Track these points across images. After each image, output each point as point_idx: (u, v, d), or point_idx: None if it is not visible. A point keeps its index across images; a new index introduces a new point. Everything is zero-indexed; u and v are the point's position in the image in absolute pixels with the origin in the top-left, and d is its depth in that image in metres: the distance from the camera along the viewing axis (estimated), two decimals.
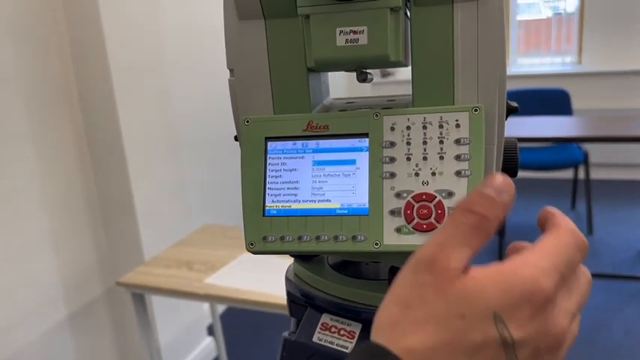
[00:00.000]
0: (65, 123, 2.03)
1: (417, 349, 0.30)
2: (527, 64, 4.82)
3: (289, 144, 0.45)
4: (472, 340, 0.30)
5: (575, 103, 3.97)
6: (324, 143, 0.45)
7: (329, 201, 0.44)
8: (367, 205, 0.42)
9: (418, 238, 0.41)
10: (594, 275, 2.57)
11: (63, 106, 2.01)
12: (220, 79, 2.90)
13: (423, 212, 0.41)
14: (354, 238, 0.43)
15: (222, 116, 3.12)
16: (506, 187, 0.33)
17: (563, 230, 0.34)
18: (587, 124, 3.39)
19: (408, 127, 0.42)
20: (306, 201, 0.44)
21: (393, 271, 0.46)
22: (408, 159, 0.42)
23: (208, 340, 2.63)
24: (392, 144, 0.42)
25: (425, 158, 0.41)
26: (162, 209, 2.31)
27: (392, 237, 0.41)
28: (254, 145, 0.46)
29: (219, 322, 2.18)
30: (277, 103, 0.47)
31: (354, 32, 0.42)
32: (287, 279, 0.53)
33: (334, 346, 0.47)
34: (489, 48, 0.41)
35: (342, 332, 0.47)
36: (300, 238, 0.44)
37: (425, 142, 0.42)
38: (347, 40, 0.42)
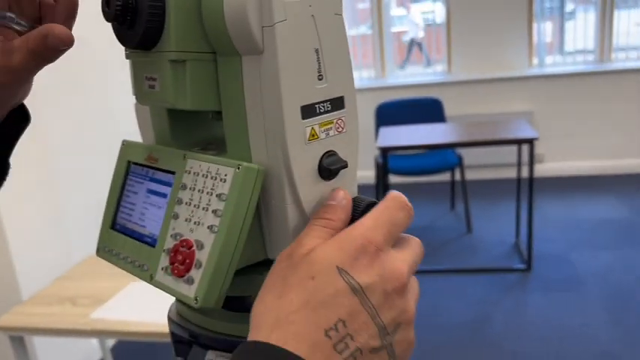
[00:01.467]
0: None
1: (282, 316, 0.35)
2: (402, 75, 5.07)
3: (140, 169, 0.49)
4: (325, 293, 0.35)
5: (448, 110, 4.23)
6: (157, 174, 0.47)
7: (144, 227, 0.46)
8: (157, 239, 0.44)
9: (172, 281, 0.41)
10: (475, 271, 2.75)
11: None
12: (102, 97, 2.77)
13: (179, 258, 0.41)
14: (142, 266, 0.44)
15: (102, 142, 3.00)
16: (344, 197, 0.41)
17: (387, 198, 0.41)
18: (460, 129, 3.63)
19: (197, 173, 0.43)
20: (134, 223, 0.47)
21: None
22: (188, 204, 0.42)
23: None
24: (184, 186, 0.43)
25: (197, 206, 0.42)
26: (39, 241, 2.17)
27: (160, 274, 0.43)
28: (120, 165, 0.51)
29: (110, 357, 2.08)
30: (156, 133, 0.50)
31: (152, 79, 0.44)
32: (169, 319, 0.52)
33: None
34: (270, 107, 0.40)
35: None
36: (117, 254, 0.48)
37: (201, 191, 0.42)
38: (149, 86, 0.44)
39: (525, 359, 2.43)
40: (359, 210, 0.42)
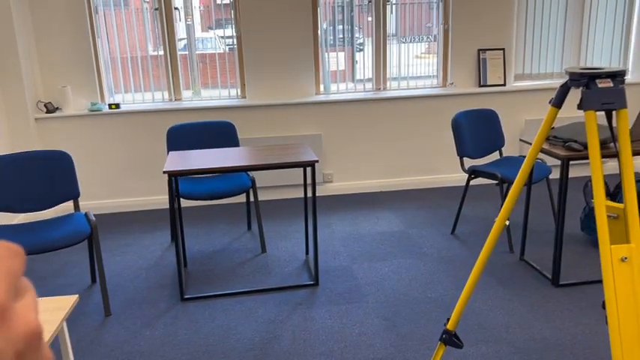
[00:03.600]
0: None
1: None
2: (206, 96, 5.08)
3: None
4: None
5: (241, 133, 4.33)
6: None
7: None
8: None
9: None
10: (268, 290, 2.81)
11: None
12: None
13: None
14: None
15: None
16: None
17: None
18: (251, 153, 3.73)
19: None
20: None
21: None
22: None
23: None
24: None
25: None
26: None
27: None
28: None
29: None
30: None
31: None
32: None
33: None
34: None
35: None
36: None
37: None
38: None
39: None
40: None
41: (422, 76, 5.29)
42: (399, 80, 5.19)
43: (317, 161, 3.21)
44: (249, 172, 4.00)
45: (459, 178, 5.19)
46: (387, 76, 5.12)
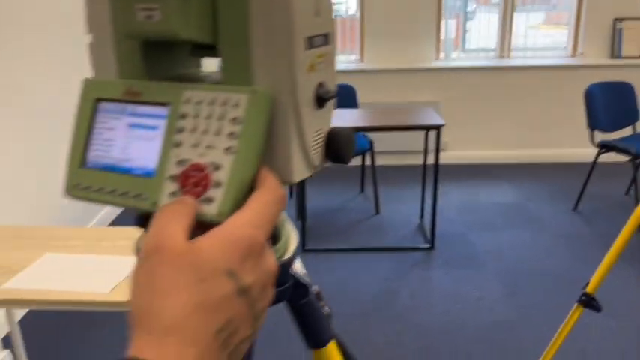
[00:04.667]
0: None
1: (176, 321, 0.35)
2: None
3: (112, 105, 0.49)
4: (216, 296, 0.36)
5: (361, 97, 4.37)
6: (139, 108, 0.48)
7: (131, 161, 0.48)
8: (155, 169, 0.46)
9: None
10: (383, 249, 2.89)
11: None
12: (6, 66, 2.64)
13: (192, 181, 0.44)
14: (138, 196, 0.46)
15: (11, 103, 2.84)
16: (187, 200, 0.42)
17: (265, 189, 0.42)
18: (372, 115, 3.76)
19: (199, 102, 0.45)
20: (115, 159, 0.48)
21: None
22: (193, 131, 0.45)
23: (4, 354, 2.39)
24: (184, 115, 0.46)
25: (205, 132, 0.44)
26: None
27: (167, 200, 0.45)
28: (85, 104, 0.50)
29: (18, 331, 2.00)
30: (119, 70, 0.51)
31: (150, 9, 0.44)
32: (138, 250, 0.54)
33: None
34: (278, 37, 0.43)
35: None
36: (100, 189, 0.48)
37: (208, 117, 0.44)
38: (145, 16, 0.45)
39: (428, 329, 2.60)
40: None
41: (545, 48, 5.06)
42: (520, 50, 5.00)
43: (443, 125, 3.19)
44: (367, 135, 4.04)
45: (583, 153, 4.95)
46: (512, 44, 4.94)
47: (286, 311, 0.56)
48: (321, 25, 0.46)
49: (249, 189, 0.44)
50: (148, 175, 0.46)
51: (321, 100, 0.47)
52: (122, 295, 1.48)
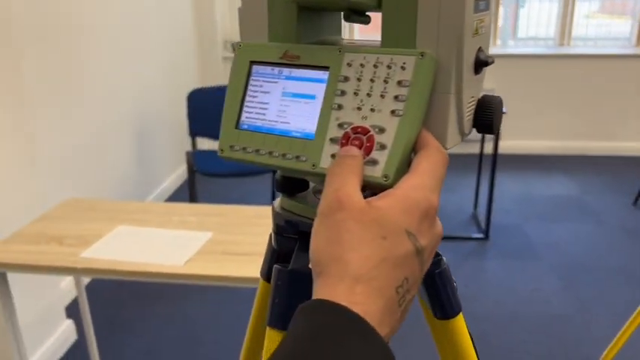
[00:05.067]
0: None
1: (365, 271, 0.37)
2: None
3: (268, 69, 0.50)
4: (397, 254, 0.38)
5: None
6: (295, 72, 0.49)
7: (288, 123, 0.48)
8: (314, 131, 0.47)
9: None
10: None
11: None
12: (83, 43, 2.71)
13: (355, 143, 0.44)
14: (297, 157, 0.47)
15: (84, 83, 2.92)
16: (353, 151, 0.43)
17: (434, 151, 0.43)
18: None
19: (362, 65, 0.45)
20: (271, 121, 0.49)
21: None
22: (356, 94, 0.45)
23: (67, 323, 2.48)
24: (346, 78, 0.46)
25: (369, 95, 0.44)
26: (13, 183, 2.12)
27: (327, 161, 0.45)
28: (241, 67, 0.51)
29: (85, 300, 2.07)
30: (271, 34, 0.51)
31: None
32: (276, 213, 0.55)
33: None
34: None
35: None
36: (257, 151, 0.49)
37: (372, 80, 0.45)
38: None
39: (483, 320, 2.58)
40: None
41: (605, 38, 4.89)
42: (580, 40, 4.84)
43: (504, 113, 3.12)
44: None
45: None
46: (572, 33, 4.79)
47: None
48: None
49: (411, 152, 0.44)
50: (306, 137, 0.47)
51: (479, 66, 0.46)
52: (196, 268, 1.51)
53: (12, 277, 1.74)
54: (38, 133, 2.35)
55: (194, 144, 3.54)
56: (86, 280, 2.71)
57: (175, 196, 4.07)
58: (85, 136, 2.90)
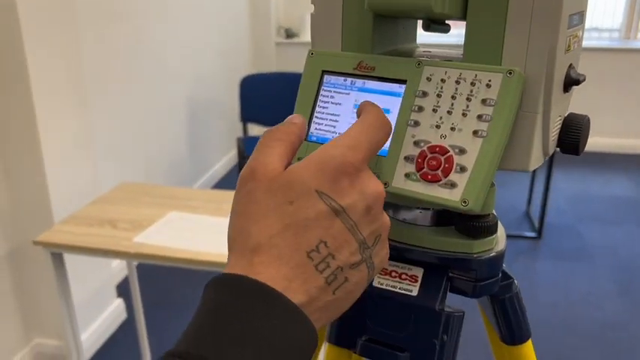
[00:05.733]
0: None
1: (264, 241, 0.35)
2: None
3: (341, 79, 0.48)
4: (306, 217, 0.35)
5: None
6: (369, 84, 0.46)
7: None
8: (387, 147, 0.44)
9: (421, 186, 0.42)
10: None
11: None
12: (138, 27, 2.75)
13: (432, 163, 0.42)
14: None
15: (136, 68, 2.97)
16: (295, 118, 0.41)
17: (367, 112, 0.40)
18: None
19: (443, 80, 0.42)
20: (341, 134, 0.47)
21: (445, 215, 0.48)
22: (434, 110, 0.42)
23: (118, 302, 2.55)
24: (424, 94, 0.43)
25: (449, 112, 0.42)
26: (72, 165, 2.18)
27: (400, 180, 0.43)
28: (312, 76, 0.49)
29: (136, 280, 2.11)
30: (345, 42, 0.49)
31: None
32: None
33: (398, 290, 0.49)
34: (543, 13, 0.40)
35: (403, 277, 0.49)
36: None
37: (454, 97, 0.42)
38: None
39: (534, 322, 2.49)
40: None
41: None
42: None
43: None
44: None
45: None
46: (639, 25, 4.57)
47: None
48: (580, 2, 0.43)
49: (493, 176, 0.41)
50: (380, 153, 0.44)
51: (570, 84, 0.43)
52: None
53: (67, 257, 1.79)
54: (95, 117, 2.40)
55: (245, 130, 3.56)
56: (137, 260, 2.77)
57: (224, 181, 4.12)
58: (139, 119, 2.95)
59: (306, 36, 4.78)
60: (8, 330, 2.13)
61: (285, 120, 0.41)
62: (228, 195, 1.97)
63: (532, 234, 3.27)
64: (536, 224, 3.29)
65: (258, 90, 3.56)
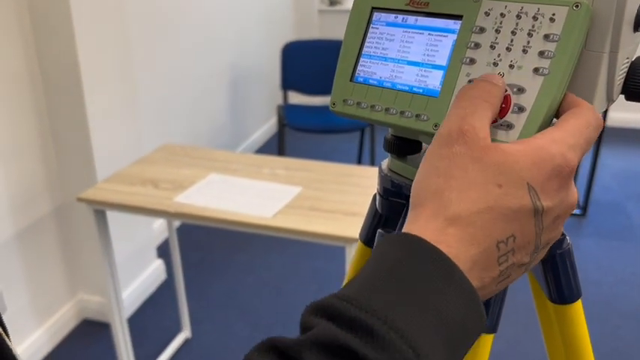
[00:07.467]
0: (14, 34, 1.87)
1: (464, 215, 0.33)
2: None
3: (391, 16, 0.45)
4: (509, 206, 0.33)
5: None
6: (422, 20, 0.44)
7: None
8: (439, 88, 0.42)
9: None
10: None
11: (12, 14, 1.84)
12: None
13: None
14: (417, 116, 0.42)
15: (180, 33, 2.98)
16: (500, 79, 0.38)
17: (585, 110, 0.37)
18: None
19: (503, 15, 0.40)
20: (390, 74, 0.45)
21: None
22: (492, 47, 0.40)
23: (158, 263, 2.60)
24: (482, 30, 0.40)
25: (508, 49, 0.39)
26: (116, 126, 2.21)
27: None
28: (361, 13, 0.46)
29: (176, 241, 2.15)
30: None
31: None
32: (384, 175, 0.51)
33: None
34: None
35: None
36: (373, 107, 0.45)
37: (514, 33, 0.39)
38: None
39: None
40: None
41: None
42: None
43: None
44: None
45: None
46: None
47: None
48: None
49: (553, 117, 0.38)
50: (430, 93, 0.42)
51: None
52: (284, 221, 1.51)
53: (110, 215, 1.82)
54: (139, 81, 2.42)
55: (285, 97, 3.54)
56: (177, 222, 2.82)
57: (265, 148, 4.13)
58: (182, 84, 2.97)
59: (349, 3, 4.70)
60: (54, 284, 2.20)
61: (483, 77, 0.38)
62: (269, 160, 1.97)
63: (577, 211, 3.18)
64: (582, 201, 3.20)
65: (299, 57, 3.52)
